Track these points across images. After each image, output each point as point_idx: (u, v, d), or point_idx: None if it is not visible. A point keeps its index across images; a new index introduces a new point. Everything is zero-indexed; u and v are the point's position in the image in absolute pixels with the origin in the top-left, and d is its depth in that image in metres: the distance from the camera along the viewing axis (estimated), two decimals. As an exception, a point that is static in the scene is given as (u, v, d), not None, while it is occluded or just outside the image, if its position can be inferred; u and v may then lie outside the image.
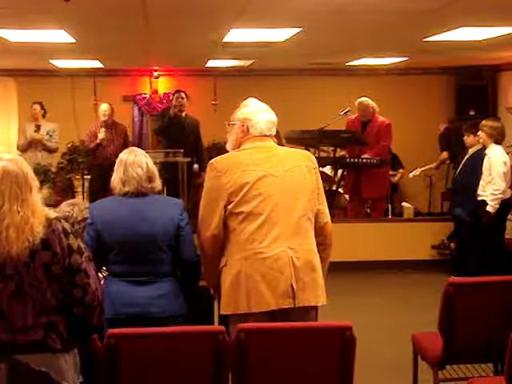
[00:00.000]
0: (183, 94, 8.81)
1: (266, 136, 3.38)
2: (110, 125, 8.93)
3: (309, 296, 3.24)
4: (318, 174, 3.43)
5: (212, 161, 3.35)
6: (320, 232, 3.37)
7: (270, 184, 3.24)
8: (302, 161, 3.38)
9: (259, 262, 3.18)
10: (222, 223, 3.23)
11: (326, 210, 3.43)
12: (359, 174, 8.32)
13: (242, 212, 3.20)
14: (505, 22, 6.06)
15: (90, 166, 9.21)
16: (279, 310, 3.18)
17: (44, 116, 9.45)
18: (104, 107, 8.97)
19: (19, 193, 2.55)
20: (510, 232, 7.47)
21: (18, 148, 9.25)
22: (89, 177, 9.41)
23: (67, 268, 2.60)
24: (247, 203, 3.21)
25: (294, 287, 3.18)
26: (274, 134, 3.44)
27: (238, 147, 3.40)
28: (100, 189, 8.46)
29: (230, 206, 3.21)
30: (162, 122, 8.87)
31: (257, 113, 3.40)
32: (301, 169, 3.34)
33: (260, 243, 3.19)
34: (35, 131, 9.23)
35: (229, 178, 3.23)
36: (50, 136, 9.21)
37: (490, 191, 6.62)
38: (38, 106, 9.41)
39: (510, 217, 7.26)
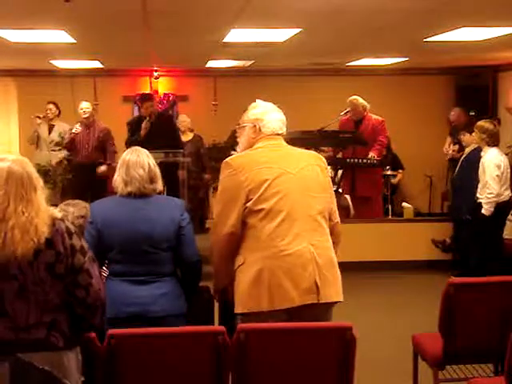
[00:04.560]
0: (153, 103, 8.40)
1: (277, 135, 3.44)
2: (89, 124, 8.75)
3: (331, 292, 3.27)
4: (329, 175, 3.48)
5: (227, 159, 3.36)
6: (331, 231, 3.41)
7: (287, 181, 3.27)
8: (314, 160, 3.43)
9: (282, 259, 3.18)
10: (240, 221, 3.23)
11: (336, 210, 3.49)
12: (354, 173, 8.33)
13: (262, 209, 3.21)
14: (505, 22, 6.07)
15: (72, 164, 9.10)
16: (303, 306, 3.17)
17: (58, 116, 9.45)
18: (85, 105, 8.78)
19: (24, 194, 2.55)
20: (510, 233, 7.47)
21: (27, 140, 9.33)
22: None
23: (70, 268, 2.61)
24: (267, 201, 3.22)
25: (318, 283, 3.20)
26: (285, 133, 3.48)
27: (248, 148, 3.42)
28: (80, 188, 8.44)
29: (249, 204, 3.22)
30: (132, 139, 8.18)
31: (267, 112, 3.45)
32: (314, 168, 3.38)
33: (282, 240, 3.19)
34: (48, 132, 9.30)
35: (246, 176, 3.24)
36: (62, 138, 9.16)
37: (484, 194, 6.61)
38: (53, 106, 9.39)
39: (509, 217, 7.25)
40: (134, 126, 8.44)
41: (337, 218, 3.47)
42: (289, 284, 3.16)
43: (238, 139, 3.52)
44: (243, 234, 3.25)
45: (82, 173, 8.74)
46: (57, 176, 9.07)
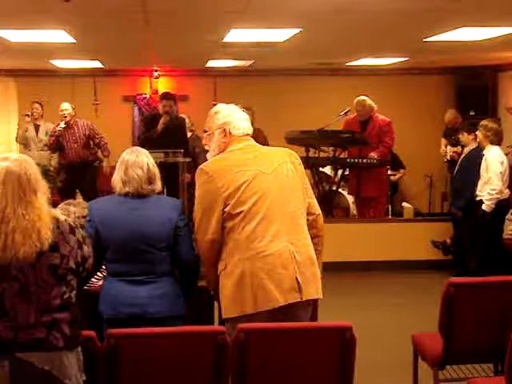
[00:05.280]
0: (172, 102, 8.57)
1: (247, 135, 3.42)
2: (72, 125, 8.75)
3: (311, 289, 3.26)
4: (303, 169, 3.46)
5: (201, 166, 3.35)
6: (313, 225, 3.40)
7: (263, 182, 3.26)
8: (287, 157, 3.41)
9: (262, 260, 3.18)
10: (220, 227, 3.23)
11: (316, 203, 3.46)
12: (359, 174, 8.34)
13: (240, 212, 3.21)
14: (505, 22, 6.07)
15: (59, 165, 9.08)
16: (286, 305, 3.17)
17: (42, 116, 9.46)
18: (65, 106, 8.77)
19: (22, 195, 2.54)
20: (510, 232, 7.47)
21: (16, 139, 9.35)
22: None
23: (81, 261, 2.67)
24: (244, 203, 3.21)
25: (300, 281, 3.20)
26: (251, 132, 3.47)
27: (220, 153, 3.39)
28: (70, 188, 8.47)
29: (227, 209, 3.21)
30: (148, 135, 8.47)
31: (234, 114, 3.43)
32: (287, 165, 3.37)
33: (260, 242, 3.19)
34: (35, 131, 9.28)
35: (223, 182, 3.23)
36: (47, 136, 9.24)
37: (487, 191, 6.64)
38: (38, 106, 9.40)
39: (509, 216, 7.26)
40: (148, 123, 8.61)
41: (317, 210, 3.44)
42: (271, 284, 3.16)
43: (207, 146, 3.47)
44: (223, 239, 3.25)
45: (71, 172, 8.76)
46: (56, 176, 9.09)
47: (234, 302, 3.20)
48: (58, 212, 2.69)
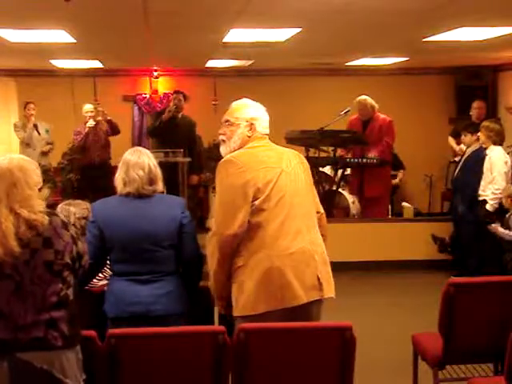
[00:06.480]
0: (181, 96, 8.97)
1: (267, 135, 3.47)
2: (95, 125, 8.90)
3: (328, 288, 3.30)
4: (310, 171, 3.52)
5: (229, 157, 3.31)
6: (318, 223, 3.43)
7: (285, 180, 3.30)
8: (298, 158, 3.48)
9: (288, 257, 3.20)
10: (247, 220, 3.19)
11: (319, 202, 3.52)
12: (362, 174, 8.34)
13: (267, 208, 3.22)
14: (505, 22, 6.07)
15: (79, 166, 9.18)
16: (307, 303, 3.20)
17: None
18: (89, 108, 8.98)
19: None
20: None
21: (23, 140, 9.34)
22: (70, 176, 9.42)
23: (76, 256, 2.70)
24: (271, 200, 3.23)
25: (320, 279, 3.23)
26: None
27: (241, 147, 3.39)
28: (88, 188, 8.54)
29: (257, 202, 3.20)
30: (155, 124, 9.08)
31: (263, 113, 3.49)
32: (299, 166, 3.43)
33: (284, 239, 3.21)
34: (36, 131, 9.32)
35: (253, 175, 3.23)
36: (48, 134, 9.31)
37: (491, 190, 6.68)
38: (34, 106, 9.42)
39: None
40: (159, 116, 9.19)
41: (321, 209, 3.51)
42: (296, 281, 3.18)
43: (224, 136, 3.44)
44: (246, 234, 3.20)
45: (91, 173, 8.82)
46: (65, 174, 9.14)
47: (256, 299, 3.17)
48: (41, 216, 2.65)
